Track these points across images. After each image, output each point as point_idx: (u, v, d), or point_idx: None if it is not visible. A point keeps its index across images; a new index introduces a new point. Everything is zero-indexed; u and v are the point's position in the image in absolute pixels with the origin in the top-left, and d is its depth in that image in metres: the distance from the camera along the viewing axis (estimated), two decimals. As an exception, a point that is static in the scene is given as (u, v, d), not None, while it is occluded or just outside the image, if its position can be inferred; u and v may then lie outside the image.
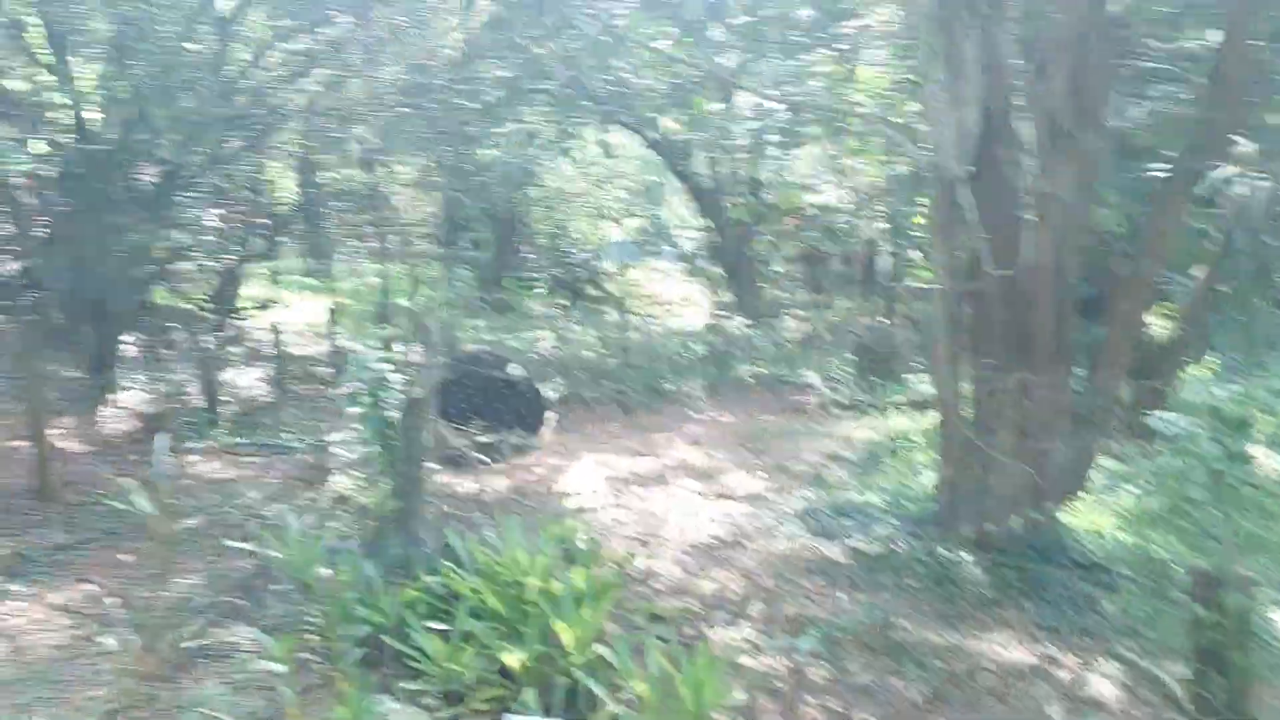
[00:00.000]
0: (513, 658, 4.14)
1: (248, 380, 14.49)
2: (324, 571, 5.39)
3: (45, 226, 14.11)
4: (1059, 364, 6.58)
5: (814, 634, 5.70)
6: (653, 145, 23.33)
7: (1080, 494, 7.38)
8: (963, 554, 6.74)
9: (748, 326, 18.08)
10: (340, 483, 5.99)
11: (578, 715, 4.09)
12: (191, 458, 9.49)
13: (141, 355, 15.01)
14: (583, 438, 12.07)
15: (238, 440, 10.36)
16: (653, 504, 8.44)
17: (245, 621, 5.56)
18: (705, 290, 28.96)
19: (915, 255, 9.83)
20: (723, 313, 20.73)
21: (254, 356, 16.45)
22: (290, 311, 18.40)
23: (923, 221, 8.30)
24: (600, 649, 4.23)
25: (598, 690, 4.05)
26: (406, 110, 18.85)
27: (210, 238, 17.00)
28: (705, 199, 24.17)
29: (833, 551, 7.19)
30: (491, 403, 7.89)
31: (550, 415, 8.62)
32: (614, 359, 14.85)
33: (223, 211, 17.52)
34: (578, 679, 4.11)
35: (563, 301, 27.03)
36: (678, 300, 29.70)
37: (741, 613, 6.14)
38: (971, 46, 6.88)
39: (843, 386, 14.52)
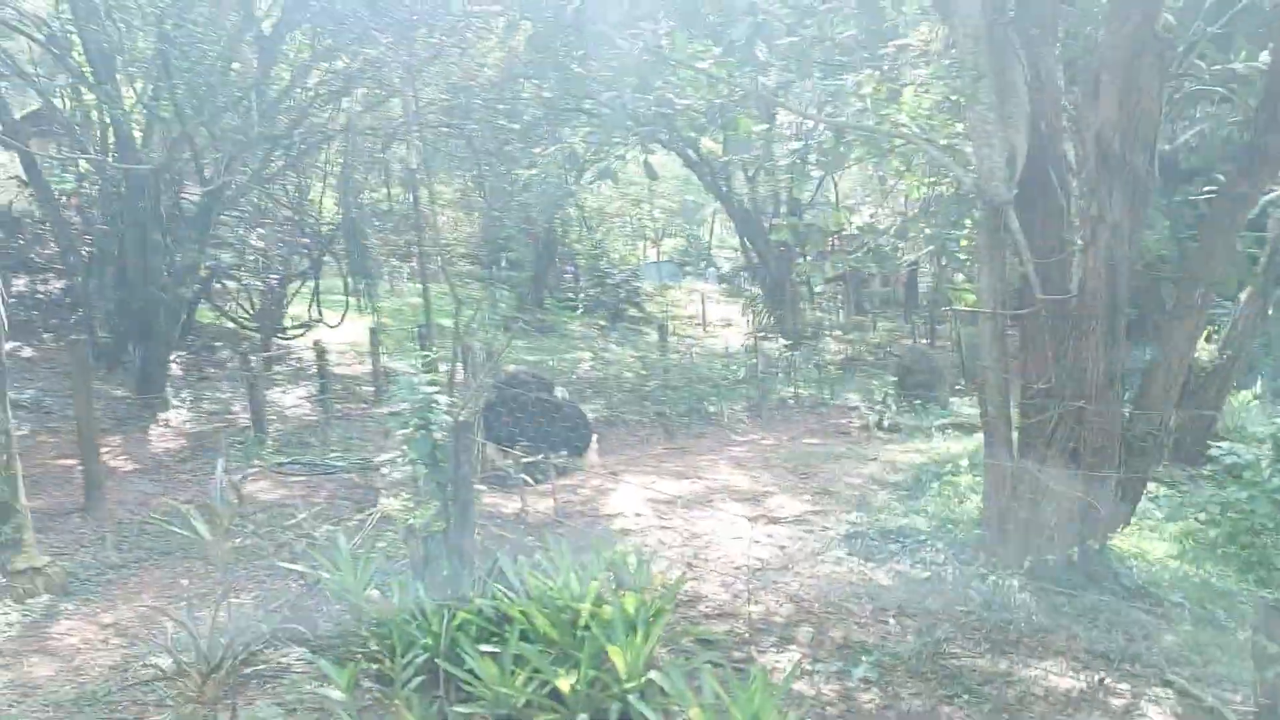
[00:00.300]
0: (565, 682, 4.14)
1: (293, 400, 14.65)
2: (374, 593, 5.45)
3: (90, 245, 14.42)
4: (1110, 389, 6.50)
5: (866, 660, 5.65)
6: (693, 166, 23.43)
7: (1130, 521, 7.27)
8: (1012, 581, 6.65)
9: (788, 348, 18.02)
10: (388, 504, 6.01)
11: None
12: (239, 478, 9.61)
13: (187, 375, 15.27)
14: (625, 460, 12.10)
15: (284, 460, 10.46)
16: (698, 526, 8.42)
17: (296, 643, 5.61)
18: (744, 311, 28.98)
19: (959, 278, 9.79)
20: (763, 334, 20.69)
21: (298, 376, 16.66)
22: (333, 331, 18.59)
23: (968, 244, 8.23)
24: (653, 674, 4.22)
25: (651, 716, 4.03)
26: (446, 130, 19.11)
27: (253, 257, 17.28)
28: (745, 220, 24.23)
29: (880, 576, 7.13)
30: (536, 424, 7.91)
31: (594, 436, 8.62)
32: (655, 380, 14.84)
33: (265, 231, 17.80)
34: (630, 704, 4.10)
35: (601, 322, 27.12)
36: (716, 321, 29.68)
37: (790, 637, 6.10)
38: (1019, 67, 6.88)
39: (885, 409, 14.41)
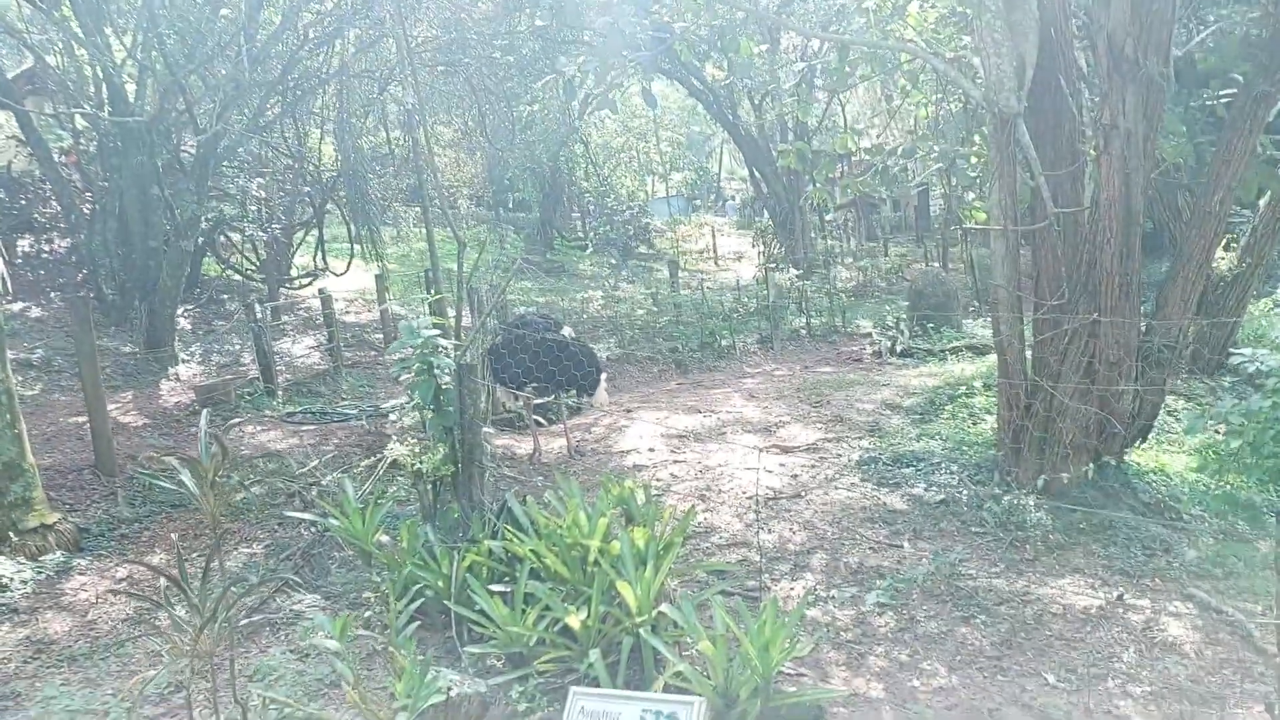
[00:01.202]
0: (575, 618, 4.10)
1: (302, 349, 14.64)
2: (383, 538, 5.42)
3: (90, 202, 14.30)
4: (1127, 302, 6.34)
5: (880, 585, 5.61)
6: (697, 94, 23.01)
7: (1148, 436, 7.16)
8: (1028, 499, 6.58)
9: (799, 277, 17.83)
10: (396, 449, 5.96)
11: (644, 675, 4.04)
12: (250, 428, 9.59)
13: (195, 328, 15.24)
14: (639, 397, 12.05)
15: (294, 410, 10.44)
16: (710, 459, 8.36)
17: (307, 590, 5.61)
18: (754, 243, 28.69)
19: (969, 196, 9.55)
20: (773, 265, 20.46)
21: (306, 326, 16.61)
22: (340, 280, 18.50)
23: (977, 161, 8.01)
24: (664, 607, 4.17)
25: (663, 649, 4.00)
26: (443, 69, 18.76)
27: (255, 207, 17.12)
28: (752, 148, 23.84)
29: (893, 500, 7.07)
30: (545, 365, 7.81)
31: (603, 375, 8.54)
32: (667, 317, 14.72)
33: (265, 180, 17.62)
34: (642, 638, 4.06)
35: (611, 260, 26.91)
36: (728, 255, 29.44)
37: (804, 565, 6.06)
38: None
39: (898, 335, 14.26)
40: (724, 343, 14.76)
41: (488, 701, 4.01)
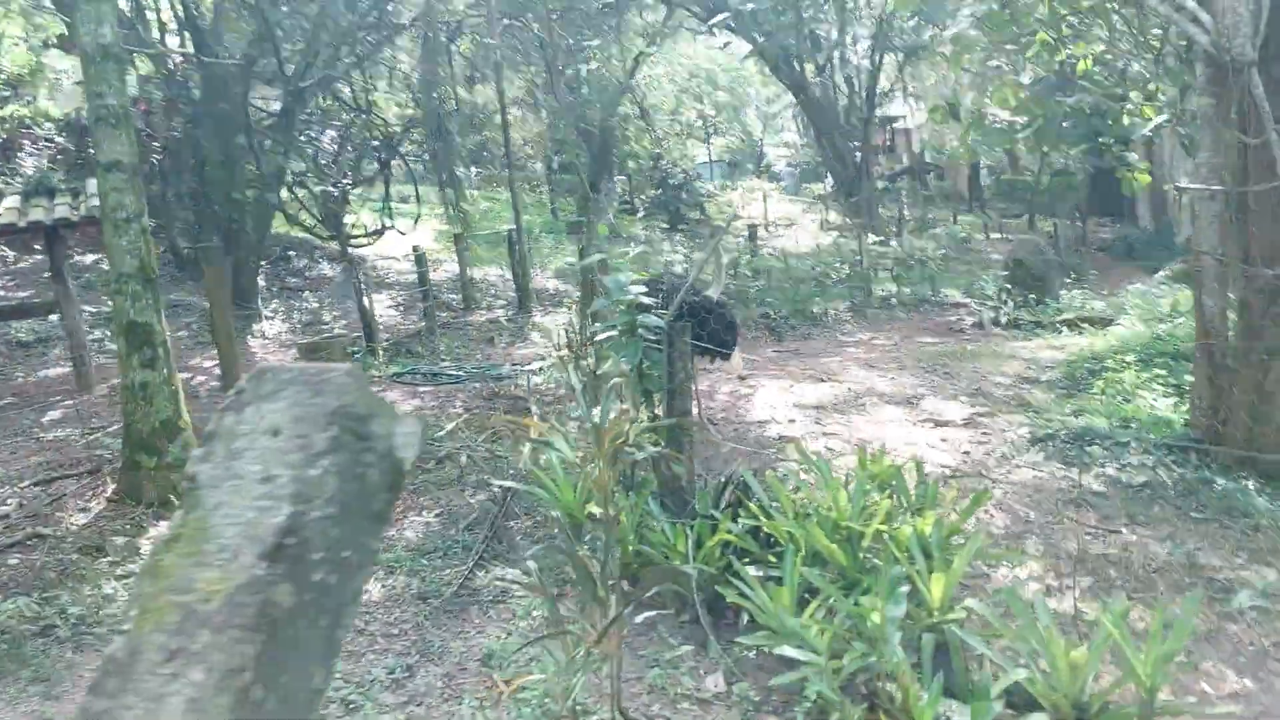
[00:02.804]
0: (877, 613, 3.65)
1: (381, 309, 14.20)
2: (595, 509, 4.97)
3: (159, 153, 13.78)
4: (1371, 272, 5.83)
5: (1115, 573, 5.16)
6: (763, 53, 22.34)
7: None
8: (1247, 482, 6.10)
9: (879, 243, 17.28)
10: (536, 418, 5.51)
11: (954, 678, 3.60)
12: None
13: (270, 285, 14.81)
14: (747, 365, 11.57)
15: (400, 370, 10.02)
16: (861, 432, 7.90)
17: (505, 563, 5.19)
18: (813, 208, 28.06)
19: (1132, 157, 9.02)
20: (848, 231, 19.91)
21: (378, 285, 16.19)
22: (405, 239, 18.03)
23: (1176, 113, 7.46)
24: (971, 602, 3.73)
25: (983, 649, 3.55)
26: (509, 21, 18.15)
27: (324, 162, 16.63)
28: (818, 111, 23.21)
29: (1088, 482, 6.59)
30: (692, 328, 7.34)
31: (740, 338, 8.09)
32: (758, 283, 14.21)
33: (334, 134, 17.12)
34: (951, 635, 3.62)
35: (663, 224, 26.33)
36: (778, 220, 28.81)
37: (1021, 550, 5.61)
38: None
39: (1000, 305, 13.73)
40: (815, 309, 14.26)
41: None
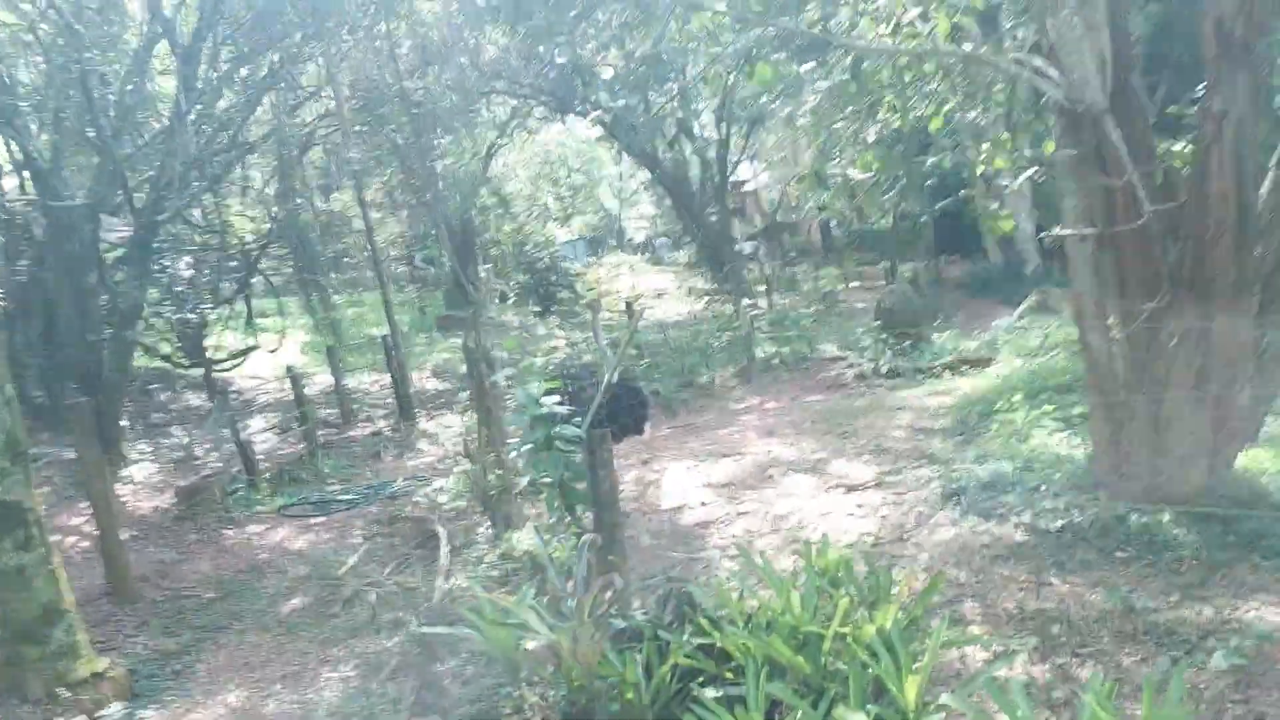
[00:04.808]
0: (854, 723, 3.47)
1: (254, 434, 13.52)
2: (528, 645, 4.67)
3: (11, 298, 12.92)
4: (1241, 298, 6.08)
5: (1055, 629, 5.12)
6: (615, 134, 22.64)
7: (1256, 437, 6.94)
8: (1161, 515, 6.23)
9: (752, 305, 17.52)
10: (524, 538, 5.22)
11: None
12: (254, 528, 8.61)
13: (133, 424, 13.95)
14: (640, 443, 11.40)
15: (288, 502, 9.47)
16: (776, 507, 7.81)
17: (440, 716, 4.82)
18: (681, 278, 28.41)
19: (994, 206, 9.40)
20: (717, 297, 20.15)
21: (248, 408, 15.49)
22: (272, 355, 17.33)
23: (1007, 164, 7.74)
24: (946, 698, 3.59)
25: (969, 747, 3.41)
26: (366, 127, 17.94)
27: (180, 288, 15.90)
28: (674, 184, 23.59)
29: (1009, 533, 6.63)
30: (606, 411, 7.17)
31: (651, 412, 7.97)
32: (646, 359, 14.14)
33: (190, 258, 16.42)
34: (932, 736, 3.47)
35: (535, 308, 26.23)
36: (648, 292, 29.08)
37: (959, 616, 5.54)
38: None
39: (878, 355, 14.01)
40: (703, 380, 14.27)
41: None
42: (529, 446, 4.93)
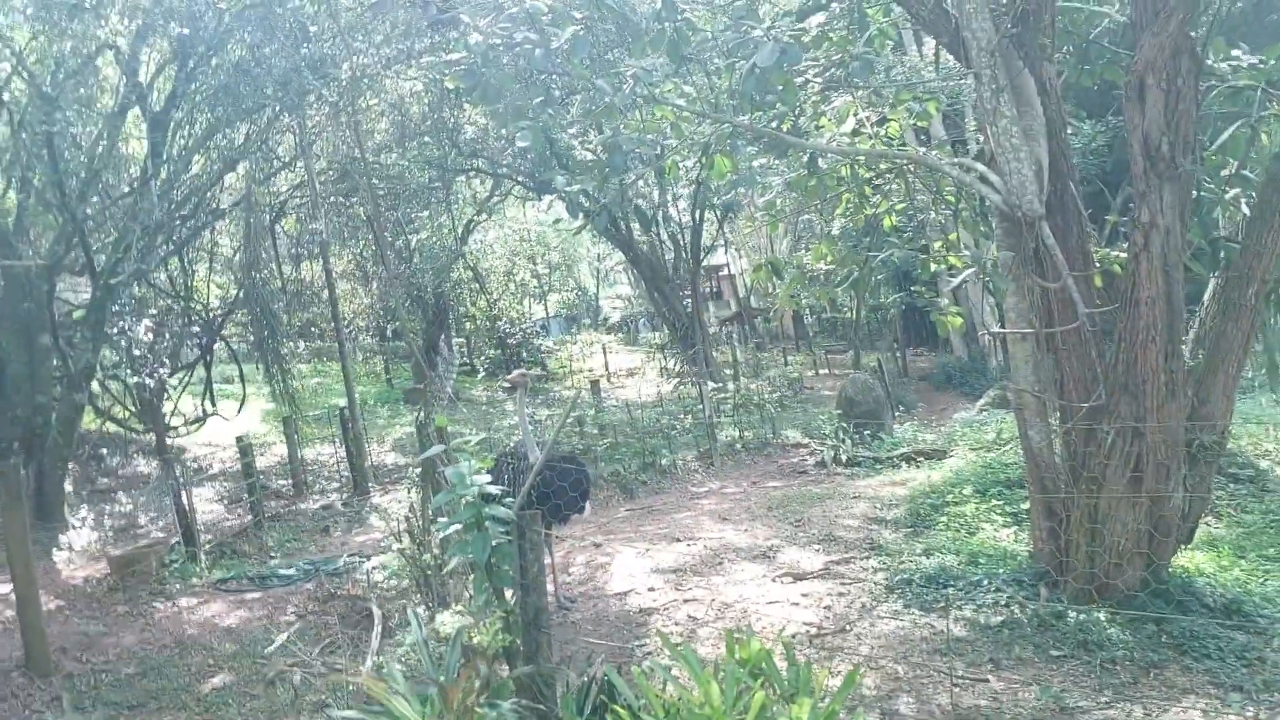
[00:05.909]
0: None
1: (203, 504, 13.29)
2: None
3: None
4: (1174, 402, 6.17)
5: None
6: (590, 215, 22.90)
7: (1193, 536, 6.97)
8: (1098, 614, 6.22)
9: (718, 389, 17.56)
10: (450, 619, 5.12)
11: None
12: (185, 601, 8.41)
13: (78, 489, 13.72)
14: (594, 527, 11.31)
15: (226, 575, 9.27)
16: (723, 594, 7.73)
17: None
18: (650, 358, 28.50)
19: (944, 303, 9.54)
20: (681, 379, 20.21)
21: (199, 477, 15.24)
22: (229, 423, 17.15)
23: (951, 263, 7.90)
24: (857, 797, 3.52)
25: None
26: (340, 200, 18.08)
27: (139, 352, 15.77)
28: (648, 266, 23.81)
29: (948, 626, 6.58)
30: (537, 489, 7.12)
31: (590, 490, 7.93)
32: (606, 440, 14.10)
33: (151, 322, 16.34)
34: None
35: (505, 385, 26.16)
36: (619, 371, 29.15)
37: (892, 710, 5.48)
38: (1030, 80, 6.62)
39: (838, 444, 14.04)
40: (664, 462, 14.22)
41: None
42: (457, 526, 4.87)
